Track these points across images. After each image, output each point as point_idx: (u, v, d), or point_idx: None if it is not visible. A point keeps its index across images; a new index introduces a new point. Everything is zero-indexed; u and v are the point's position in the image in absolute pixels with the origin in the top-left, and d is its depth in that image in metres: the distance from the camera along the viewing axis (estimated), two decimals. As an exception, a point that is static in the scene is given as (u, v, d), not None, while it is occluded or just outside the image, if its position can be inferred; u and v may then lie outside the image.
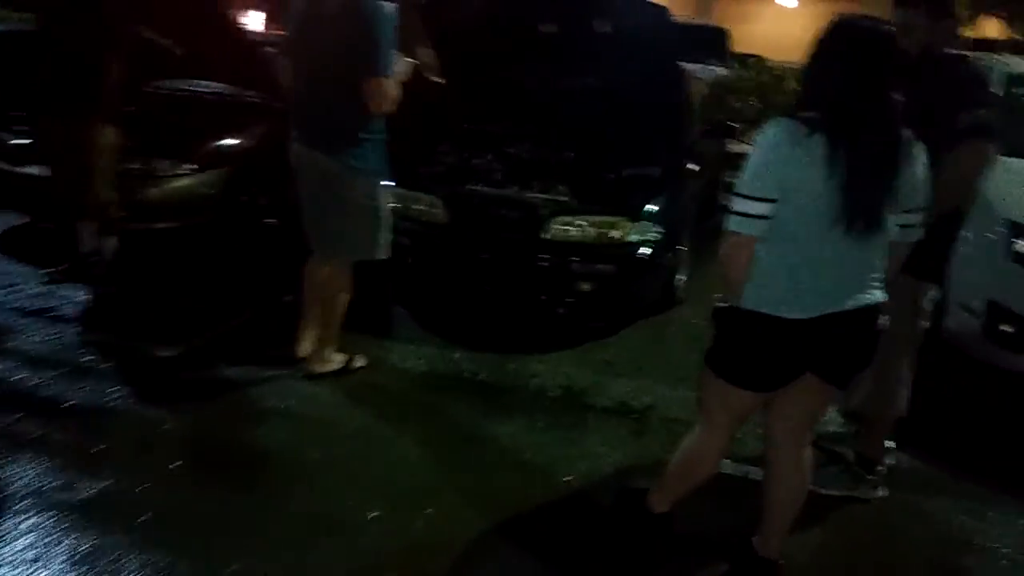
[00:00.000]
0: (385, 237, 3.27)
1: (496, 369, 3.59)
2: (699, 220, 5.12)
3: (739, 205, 1.89)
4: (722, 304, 2.06)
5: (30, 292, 4.12)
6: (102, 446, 2.77)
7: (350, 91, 2.99)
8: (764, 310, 1.94)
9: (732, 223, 1.91)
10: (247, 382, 3.32)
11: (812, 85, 1.97)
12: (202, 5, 5.08)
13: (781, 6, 20.60)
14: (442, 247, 4.05)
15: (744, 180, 1.89)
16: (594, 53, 4.39)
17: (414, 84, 3.78)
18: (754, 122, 7.65)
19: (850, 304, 1.93)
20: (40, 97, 4.14)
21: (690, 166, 4.64)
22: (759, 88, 7.80)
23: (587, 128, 4.69)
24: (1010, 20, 16.08)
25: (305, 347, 3.51)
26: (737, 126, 6.93)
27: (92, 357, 3.45)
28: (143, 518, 2.39)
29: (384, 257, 3.31)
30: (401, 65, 3.13)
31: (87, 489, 2.52)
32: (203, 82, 5.72)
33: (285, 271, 3.82)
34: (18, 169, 4.60)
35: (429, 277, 4.15)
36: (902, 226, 1.94)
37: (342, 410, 3.15)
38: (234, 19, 7.40)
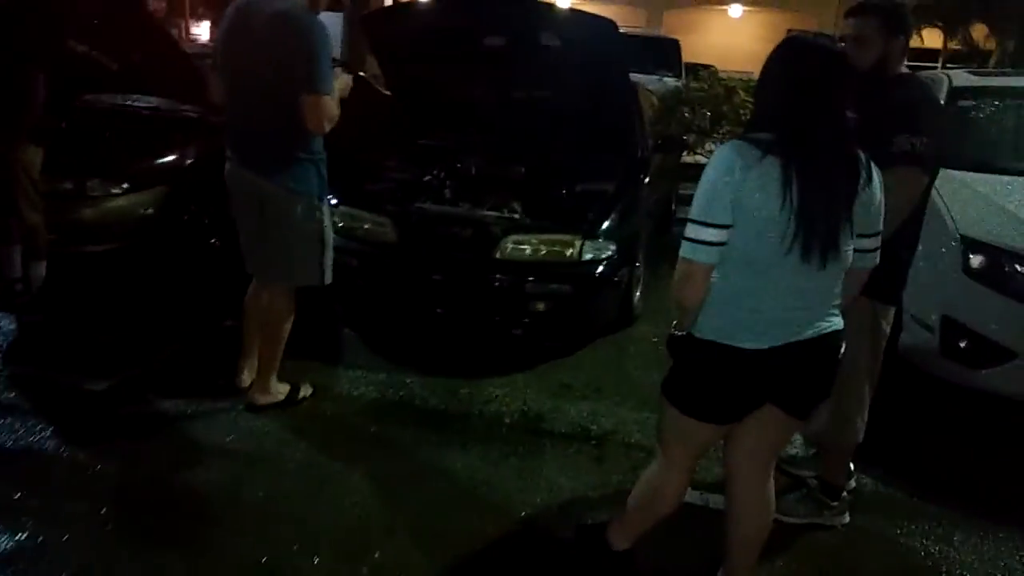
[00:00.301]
0: (327, 261, 3.12)
1: (450, 395, 3.46)
2: (654, 235, 5.09)
3: (692, 231, 1.81)
4: (677, 332, 1.97)
5: (-49, 321, 3.86)
6: (21, 493, 2.56)
7: (284, 109, 2.83)
8: (720, 340, 1.86)
9: (685, 250, 1.83)
10: (184, 417, 3.13)
11: (764, 105, 1.90)
12: (137, 17, 4.85)
13: (729, 16, 20.99)
14: (391, 268, 3.91)
15: (697, 205, 1.81)
16: (542, 67, 4.31)
17: (360, 99, 3.65)
18: (707, 134, 7.72)
19: (810, 333, 1.86)
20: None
21: (643, 180, 4.59)
22: (711, 100, 7.82)
23: (538, 143, 4.63)
24: (947, 31, 16.61)
25: (246, 377, 3.34)
26: (689, 139, 6.97)
27: (13, 393, 3.22)
28: (66, 574, 2.20)
29: (327, 282, 3.15)
30: (341, 81, 3.00)
31: (3, 542, 2.32)
32: (138, 96, 5.50)
33: (226, 294, 3.64)
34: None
35: (379, 299, 4.01)
36: (860, 251, 1.88)
37: (286, 445, 2.98)
38: (168, 31, 7.20)
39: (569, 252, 3.76)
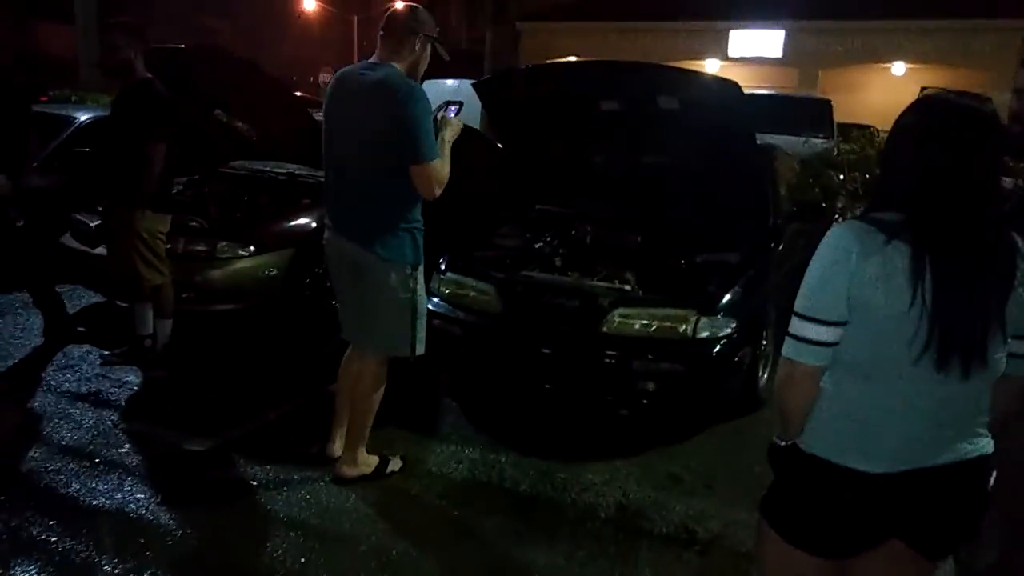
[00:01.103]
0: (419, 332, 3.01)
1: (543, 479, 3.21)
2: (787, 310, 4.62)
3: (796, 327, 1.50)
4: (780, 442, 1.65)
5: (84, 374, 4.10)
6: (95, 552, 2.58)
7: (384, 178, 2.81)
8: (829, 457, 1.52)
9: (788, 348, 1.52)
10: (271, 484, 3.09)
11: (890, 179, 1.55)
12: (275, 90, 5.12)
13: (891, 73, 19.75)
14: (495, 338, 3.76)
15: (803, 296, 1.50)
16: (662, 132, 4.07)
17: (469, 165, 3.59)
18: (858, 198, 7.11)
19: (946, 458, 1.47)
20: (102, 182, 4.22)
21: (774, 250, 4.19)
22: (863, 161, 7.21)
23: (657, 211, 4.37)
24: None
25: (337, 446, 3.26)
26: (839, 203, 6.41)
27: (122, 449, 3.32)
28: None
29: (418, 354, 3.03)
30: (452, 128, 2.92)
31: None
32: (276, 163, 5.81)
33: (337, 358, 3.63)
34: (93, 251, 4.70)
35: (481, 370, 3.86)
36: (1016, 356, 1.48)
37: (364, 524, 2.85)
38: (303, 102, 7.63)
39: (683, 328, 3.45)
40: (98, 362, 4.24)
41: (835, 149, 8.49)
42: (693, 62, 18.61)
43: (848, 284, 1.43)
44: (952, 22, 17.42)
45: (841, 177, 7.10)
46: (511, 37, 23.84)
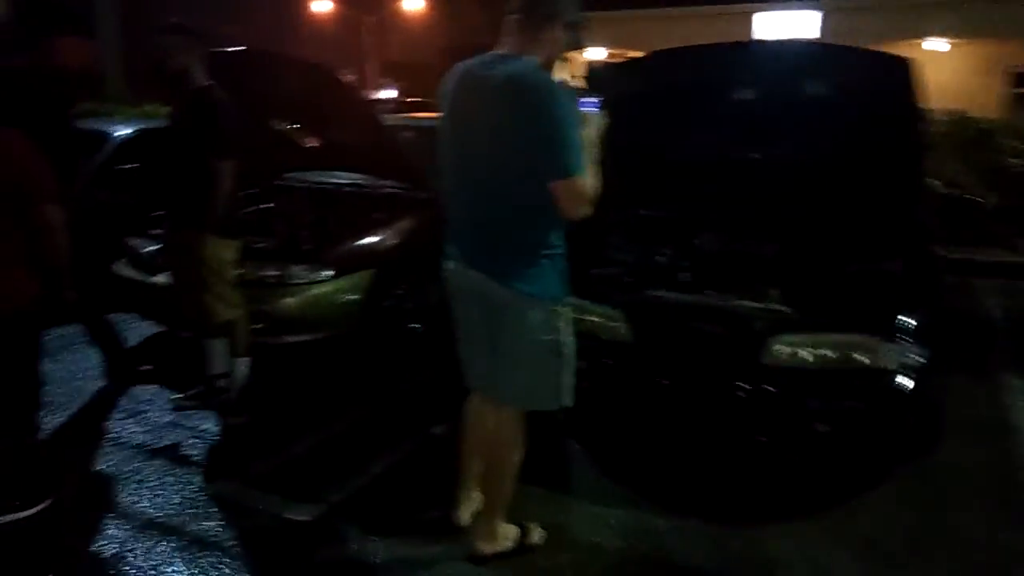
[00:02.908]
0: (568, 380, 2.49)
1: (715, 548, 2.68)
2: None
3: None
4: None
5: (155, 421, 3.64)
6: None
7: (521, 197, 2.28)
8: None
9: None
10: (394, 564, 2.59)
11: None
12: (335, 90, 4.60)
13: (931, 50, 18.85)
14: (626, 371, 3.23)
15: None
16: (800, 120, 3.51)
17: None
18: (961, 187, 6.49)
19: None
20: (162, 204, 3.74)
21: (938, 256, 3.63)
22: (963, 146, 6.61)
23: (794, 211, 3.78)
24: None
25: (465, 512, 2.76)
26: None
27: (213, 521, 2.83)
28: None
29: (567, 405, 2.52)
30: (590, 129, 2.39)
31: None
32: (337, 173, 5.30)
33: (434, 391, 3.14)
34: (151, 279, 4.24)
35: (611, 408, 3.33)
36: None
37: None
38: (367, 102, 7.05)
39: (866, 358, 2.89)
40: (169, 407, 3.78)
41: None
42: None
43: None
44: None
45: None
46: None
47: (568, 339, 2.47)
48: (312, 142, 4.91)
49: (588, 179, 2.27)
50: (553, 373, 2.45)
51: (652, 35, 17.81)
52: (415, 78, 20.59)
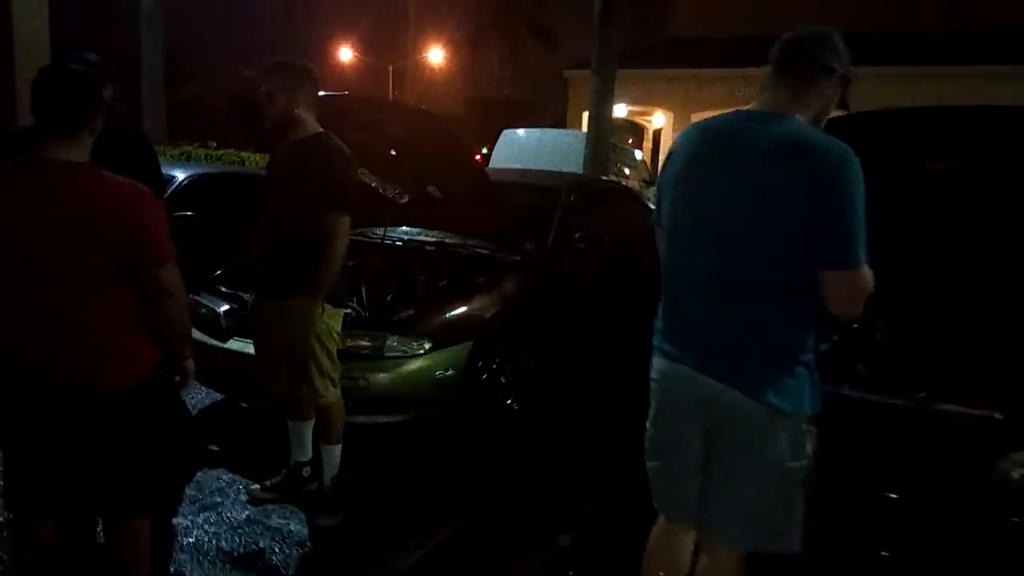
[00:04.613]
0: (797, 514, 1.97)
1: None
2: None
3: None
4: None
5: (232, 520, 3.08)
6: None
7: (788, 286, 1.81)
8: None
9: None
10: None
11: None
12: (441, 140, 4.14)
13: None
14: (819, 481, 2.69)
15: None
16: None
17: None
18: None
19: None
20: (252, 270, 3.26)
21: None
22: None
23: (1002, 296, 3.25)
24: None
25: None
26: None
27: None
28: None
29: (796, 550, 2.00)
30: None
31: None
32: (418, 230, 4.84)
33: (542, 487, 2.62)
34: (222, 344, 3.71)
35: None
36: None
37: None
38: (473, 154, 6.59)
39: None
40: (244, 498, 3.23)
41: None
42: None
43: None
44: None
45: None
46: (557, 85, 23.33)
47: (808, 464, 1.97)
48: (403, 197, 4.41)
49: (869, 274, 1.79)
50: (794, 506, 1.95)
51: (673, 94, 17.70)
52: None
